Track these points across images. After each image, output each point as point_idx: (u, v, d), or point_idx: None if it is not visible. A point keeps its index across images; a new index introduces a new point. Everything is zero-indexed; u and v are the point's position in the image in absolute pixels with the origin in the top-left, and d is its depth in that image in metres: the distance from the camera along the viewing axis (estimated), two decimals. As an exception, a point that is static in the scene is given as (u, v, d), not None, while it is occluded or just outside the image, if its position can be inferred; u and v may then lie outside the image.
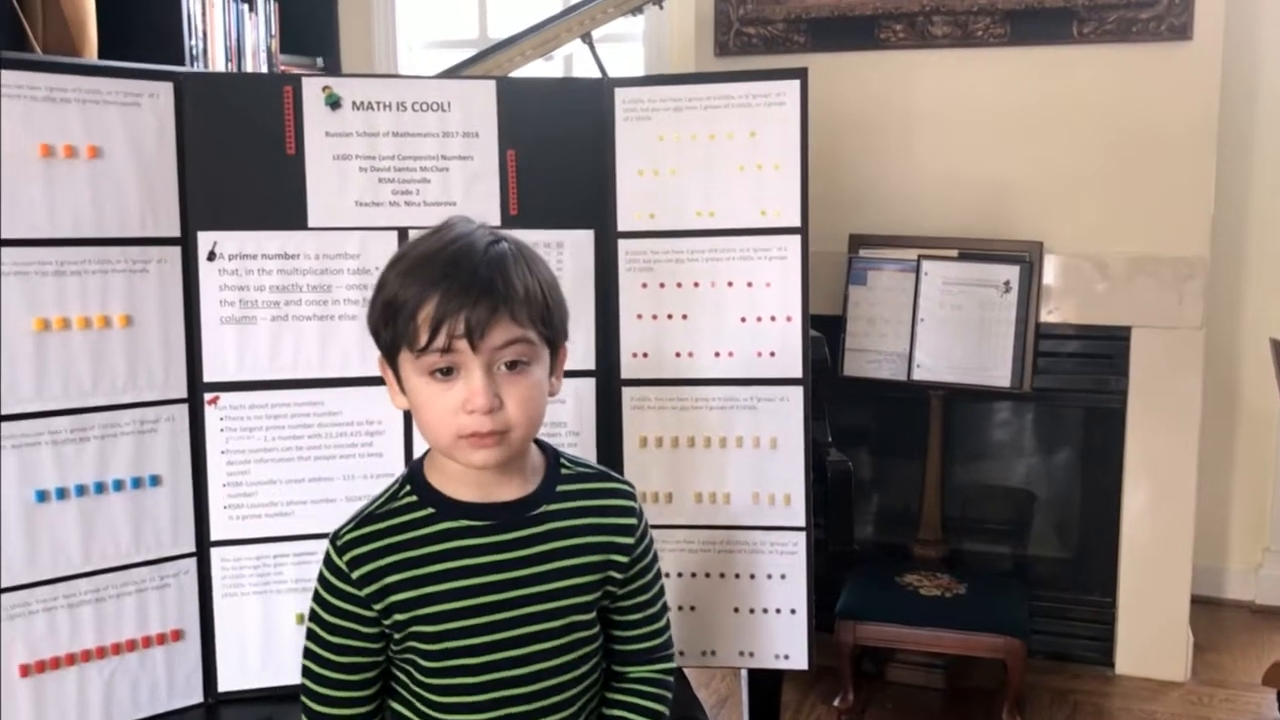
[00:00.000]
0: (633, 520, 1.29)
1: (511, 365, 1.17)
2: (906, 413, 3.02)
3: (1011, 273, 2.80)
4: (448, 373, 1.16)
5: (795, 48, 3.01)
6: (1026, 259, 2.83)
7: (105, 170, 1.66)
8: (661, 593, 1.35)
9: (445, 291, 1.13)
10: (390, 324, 1.18)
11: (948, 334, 2.83)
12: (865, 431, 3.17)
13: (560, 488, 1.27)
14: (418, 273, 1.16)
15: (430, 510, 1.24)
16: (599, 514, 1.28)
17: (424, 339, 1.14)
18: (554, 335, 1.22)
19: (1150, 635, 2.98)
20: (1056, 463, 3.06)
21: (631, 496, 1.31)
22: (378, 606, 1.22)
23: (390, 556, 1.22)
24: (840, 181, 2.97)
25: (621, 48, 3.60)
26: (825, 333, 1.99)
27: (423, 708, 1.25)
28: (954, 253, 2.86)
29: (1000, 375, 2.80)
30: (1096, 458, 3.00)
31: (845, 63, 2.98)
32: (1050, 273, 2.89)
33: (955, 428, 3.04)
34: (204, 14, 3.38)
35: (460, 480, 1.24)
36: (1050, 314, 2.91)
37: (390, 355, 1.22)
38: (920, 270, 2.85)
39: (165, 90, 1.71)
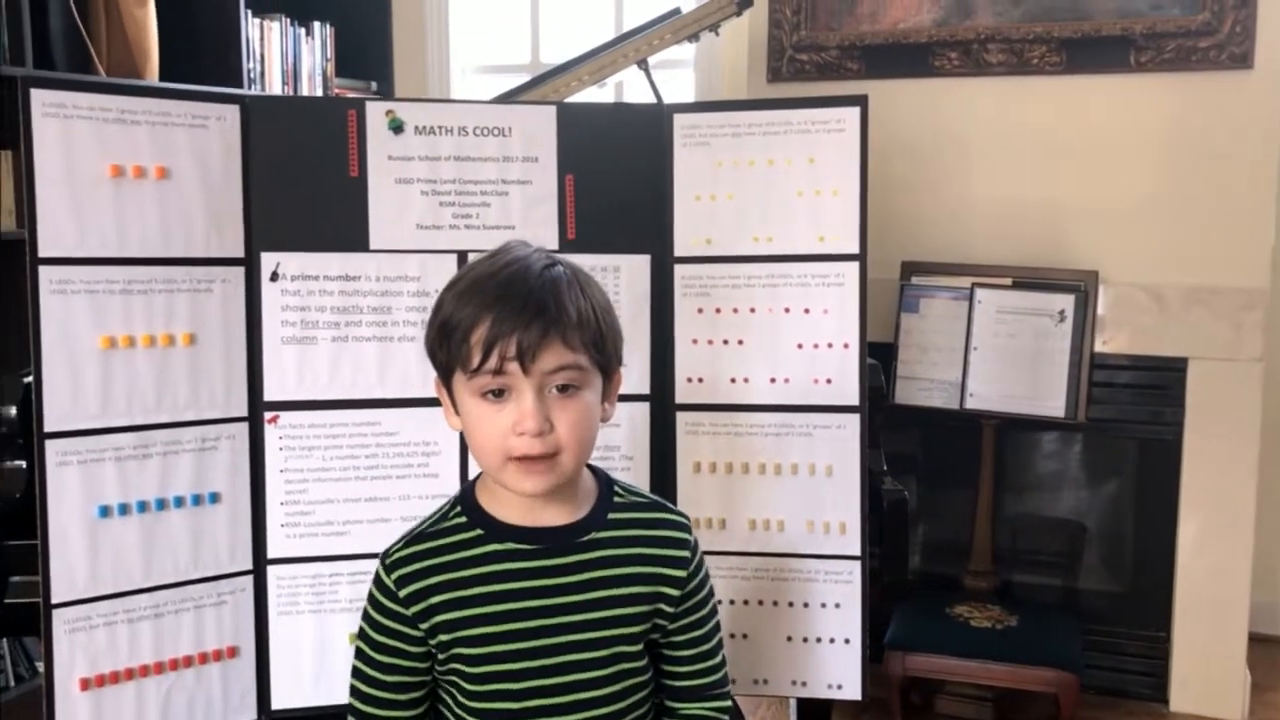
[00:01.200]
0: (685, 553, 1.27)
1: (563, 389, 1.17)
2: (958, 442, 2.99)
3: (1066, 302, 2.77)
4: (499, 394, 1.17)
5: (849, 74, 3.01)
6: (1081, 288, 2.80)
7: (172, 191, 1.69)
8: (717, 629, 1.33)
9: (498, 314, 1.14)
10: (445, 345, 1.19)
11: (1001, 363, 2.80)
12: (916, 460, 3.14)
13: (612, 515, 1.26)
14: (473, 295, 1.17)
15: (479, 532, 1.24)
16: (650, 544, 1.26)
17: (476, 360, 1.15)
18: (606, 360, 1.21)
19: (1206, 672, 2.92)
20: (1110, 494, 3.02)
21: (686, 529, 1.29)
22: (424, 626, 1.22)
23: (437, 576, 1.22)
24: (893, 208, 2.96)
25: (674, 74, 3.61)
26: (876, 360, 1.97)
27: None
28: (1008, 281, 2.84)
29: (1054, 405, 2.77)
30: (1151, 490, 2.96)
31: (899, 90, 2.97)
32: (1105, 302, 2.86)
33: (1007, 458, 3.01)
34: (262, 38, 3.43)
35: (510, 503, 1.24)
36: (1105, 344, 2.88)
37: (445, 376, 1.23)
38: (974, 298, 2.82)
39: (232, 113, 1.74)
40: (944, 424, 2.97)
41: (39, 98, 1.58)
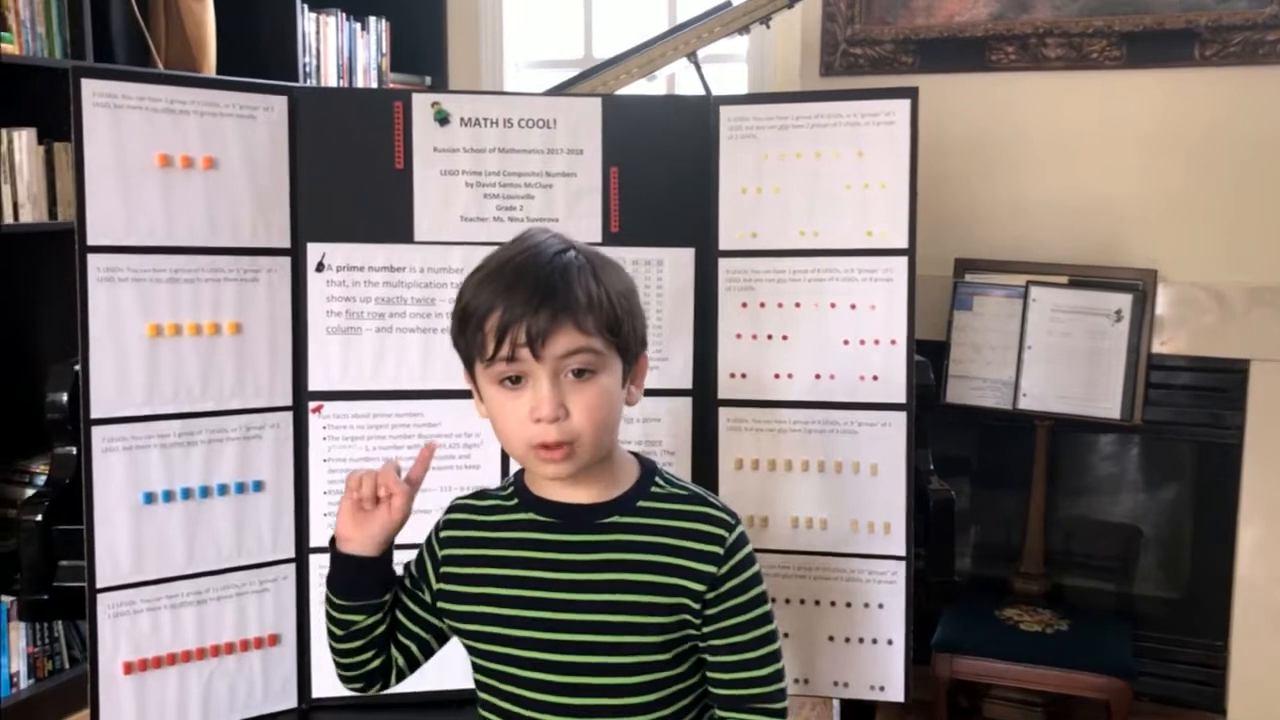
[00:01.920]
0: (716, 549, 1.20)
1: (579, 373, 1.15)
2: (1010, 442, 2.94)
3: (1123, 301, 2.71)
4: (516, 381, 1.16)
5: (903, 69, 2.96)
6: (1140, 287, 2.74)
7: (220, 181, 1.70)
8: (768, 640, 1.24)
9: (509, 301, 1.13)
10: (463, 334, 1.19)
11: (1055, 363, 2.75)
12: (967, 460, 3.09)
13: (642, 503, 1.23)
14: (486, 283, 1.17)
15: (515, 501, 1.26)
16: (678, 535, 1.21)
17: (490, 348, 1.14)
18: (625, 343, 1.19)
19: (1265, 682, 2.85)
20: (1166, 498, 2.95)
21: (725, 525, 1.22)
22: (441, 570, 1.26)
23: (469, 531, 1.26)
24: (947, 204, 2.91)
25: (726, 68, 3.59)
26: (928, 358, 1.94)
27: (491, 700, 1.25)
28: (1064, 279, 2.78)
29: (1109, 407, 2.71)
30: (1209, 494, 2.89)
31: (954, 84, 2.93)
32: (1164, 302, 2.80)
33: (1061, 459, 2.96)
34: (318, 33, 3.46)
35: (545, 483, 1.24)
36: (1163, 345, 2.82)
37: (468, 365, 1.22)
38: (1028, 296, 2.77)
39: (280, 104, 1.75)
40: (996, 424, 2.92)
41: (89, 88, 1.60)
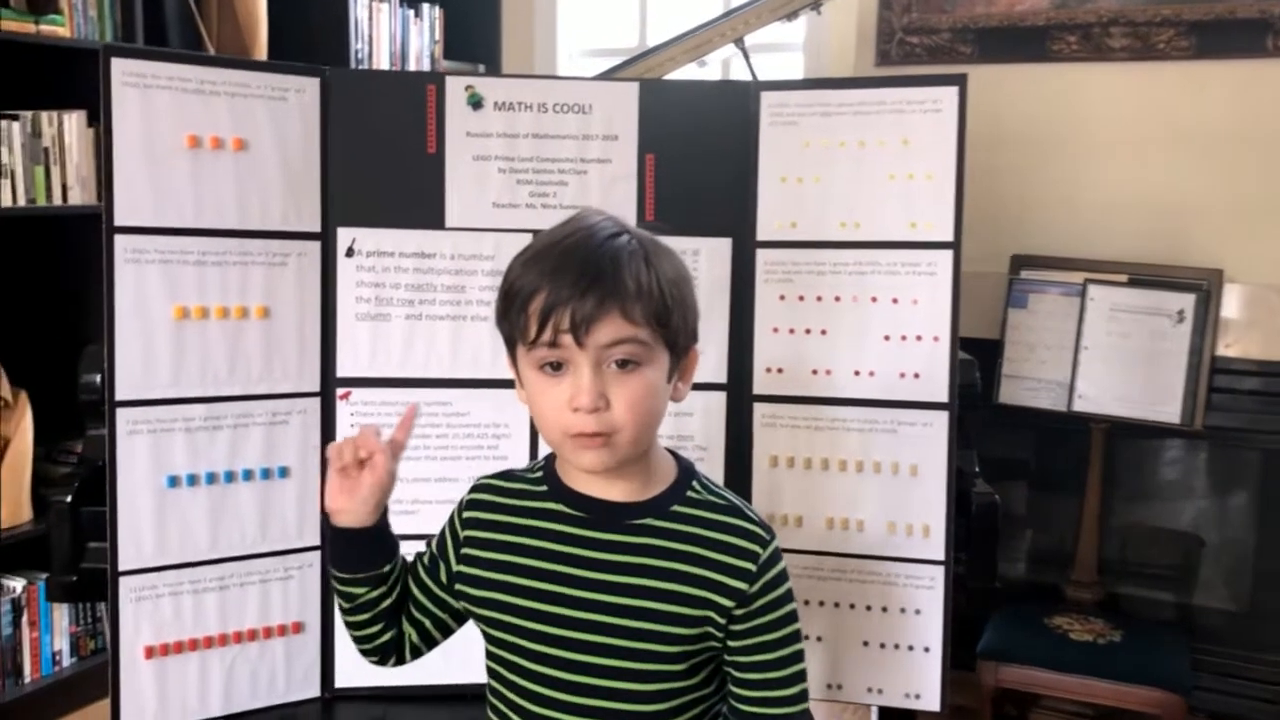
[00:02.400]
0: (749, 565, 1.15)
1: (622, 364, 1.11)
2: (1065, 445, 2.85)
3: (1186, 301, 2.61)
4: (557, 367, 1.12)
5: (961, 58, 2.88)
6: (1204, 287, 2.64)
7: (250, 163, 1.68)
8: (794, 660, 1.18)
9: (554, 283, 1.09)
10: (507, 315, 1.15)
11: (1113, 364, 2.66)
12: (1020, 463, 3.00)
13: (677, 508, 1.18)
14: (534, 263, 1.12)
15: (545, 488, 1.21)
16: (711, 547, 1.16)
17: (533, 331, 1.10)
18: (673, 336, 1.14)
19: (1329, 701, 2.74)
20: (1230, 507, 2.84)
21: (761, 541, 1.17)
22: (462, 551, 1.22)
23: (495, 514, 1.22)
24: (1003, 199, 2.83)
25: (782, 57, 3.52)
26: (981, 357, 1.87)
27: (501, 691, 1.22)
28: (1123, 278, 2.69)
29: (1169, 411, 2.62)
30: (1277, 504, 2.77)
31: (1013, 74, 2.84)
32: (1230, 303, 2.69)
33: (1117, 463, 2.86)
34: (370, 19, 3.45)
35: (576, 473, 1.19)
36: (1228, 348, 2.71)
37: (511, 348, 1.18)
38: (1086, 295, 2.69)
39: (312, 86, 1.73)
40: (1051, 426, 2.84)
41: (119, 67, 1.59)
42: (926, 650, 1.79)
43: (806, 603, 1.82)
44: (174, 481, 1.66)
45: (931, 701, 1.79)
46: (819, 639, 1.83)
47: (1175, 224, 2.73)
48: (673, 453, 1.23)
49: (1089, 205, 2.82)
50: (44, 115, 2.65)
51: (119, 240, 1.60)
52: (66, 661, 2.79)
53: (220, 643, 1.71)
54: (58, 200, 2.68)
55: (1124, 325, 2.65)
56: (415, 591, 1.27)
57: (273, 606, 1.74)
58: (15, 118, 2.59)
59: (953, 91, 1.74)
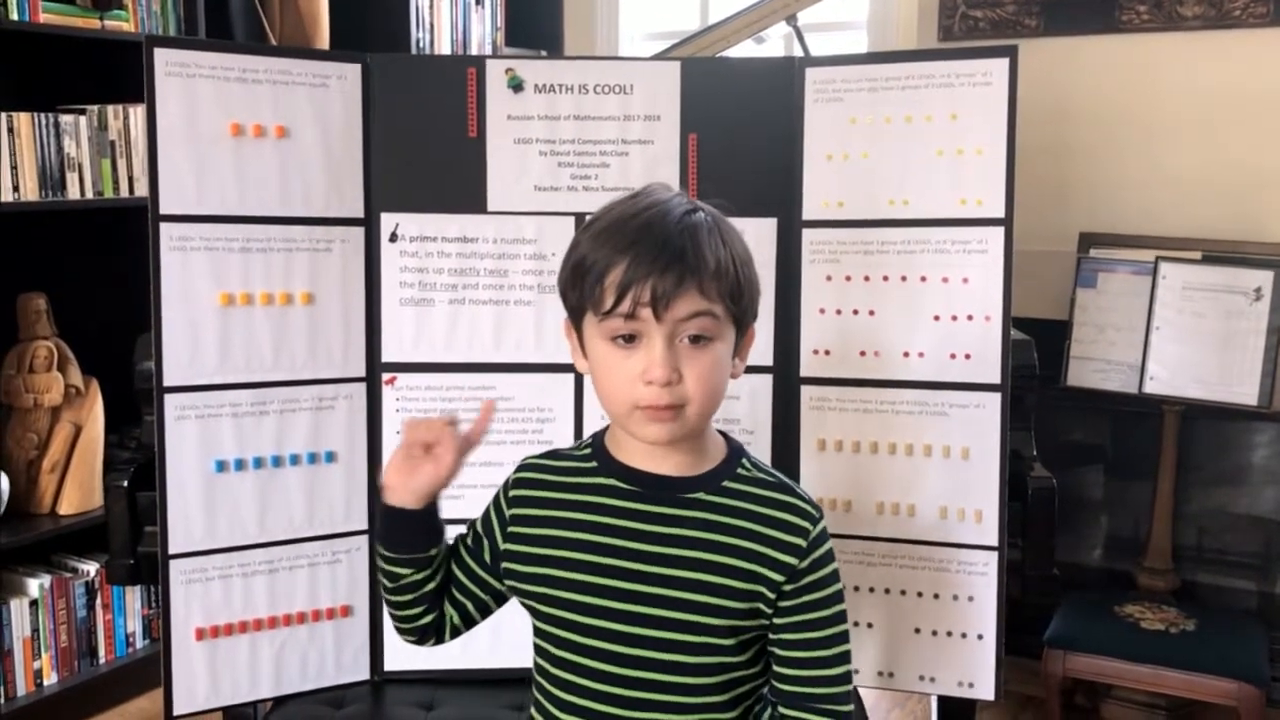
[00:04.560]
0: (799, 540, 1.16)
1: (695, 339, 1.11)
2: (1137, 428, 2.77)
3: (1264, 279, 2.51)
4: (630, 340, 1.12)
5: (1026, 31, 2.80)
6: (1283, 263, 2.53)
7: (292, 150, 1.70)
8: (839, 640, 1.18)
9: (635, 257, 1.09)
10: (578, 286, 1.14)
11: (1186, 344, 2.56)
12: (1090, 447, 2.92)
13: (727, 483, 1.18)
14: (609, 236, 1.12)
15: (595, 464, 1.21)
16: (762, 522, 1.16)
17: (609, 303, 1.10)
18: (742, 313, 1.15)
19: None
20: (1314, 493, 2.73)
21: (810, 518, 1.17)
22: (509, 530, 1.22)
23: (543, 491, 1.22)
24: (1071, 175, 2.75)
25: (845, 35, 3.47)
26: (1049, 339, 1.81)
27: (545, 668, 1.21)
28: (1197, 255, 2.60)
29: (1246, 392, 2.52)
30: (1362, 490, 2.66)
31: (1081, 47, 2.75)
32: (1312, 280, 2.58)
33: (1192, 447, 2.76)
34: (431, 6, 3.46)
35: (631, 449, 1.19)
36: (1310, 326, 2.60)
37: (576, 318, 1.18)
38: (1158, 273, 2.59)
39: (353, 72, 1.73)
40: (1121, 409, 2.76)
41: (162, 56, 1.61)
42: (980, 638, 1.74)
43: (857, 589, 1.79)
44: (222, 466, 1.68)
45: (985, 690, 1.75)
46: (870, 626, 1.80)
47: (1251, 198, 2.63)
48: (722, 433, 1.23)
49: (1160, 180, 2.73)
50: (109, 109, 2.70)
51: (164, 228, 1.63)
52: (140, 643, 2.86)
53: (270, 625, 1.73)
54: (124, 192, 2.73)
55: (1197, 304, 2.56)
56: (458, 573, 1.27)
57: (321, 590, 1.76)
58: (82, 112, 2.65)
59: (1003, 63, 1.68)
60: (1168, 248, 2.63)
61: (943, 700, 1.90)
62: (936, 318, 1.74)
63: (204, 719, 1.74)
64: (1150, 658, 2.45)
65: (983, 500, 1.73)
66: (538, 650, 1.21)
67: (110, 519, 1.78)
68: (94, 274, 2.90)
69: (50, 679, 2.66)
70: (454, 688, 1.80)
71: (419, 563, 1.24)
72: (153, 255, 1.62)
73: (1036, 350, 1.85)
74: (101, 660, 2.77)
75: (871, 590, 1.79)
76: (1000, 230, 1.70)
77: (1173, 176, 2.72)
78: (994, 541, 1.73)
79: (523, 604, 1.22)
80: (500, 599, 1.28)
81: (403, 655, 1.79)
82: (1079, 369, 2.70)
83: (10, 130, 2.51)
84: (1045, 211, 2.79)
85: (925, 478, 1.76)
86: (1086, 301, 2.70)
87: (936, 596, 1.76)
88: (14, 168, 2.52)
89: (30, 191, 2.54)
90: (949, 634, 1.76)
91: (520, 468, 1.26)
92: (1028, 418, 1.87)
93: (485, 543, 1.25)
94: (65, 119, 2.61)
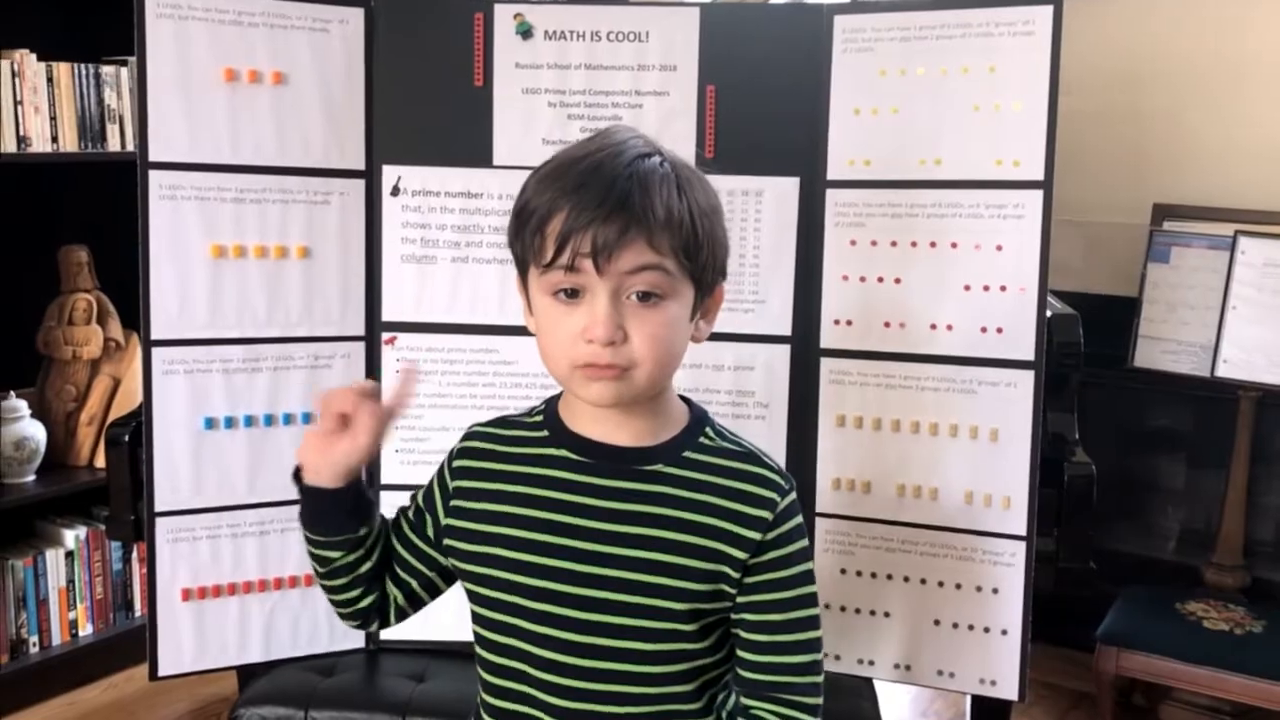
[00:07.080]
0: (765, 514, 1.06)
1: (644, 296, 1.01)
2: (1209, 414, 2.61)
3: (1353, 256, 2.32)
4: (573, 294, 1.02)
5: (1101, -14, 2.63)
6: (1375, 240, 2.34)
7: (290, 97, 1.63)
8: (807, 625, 1.08)
9: (576, 204, 0.99)
10: (520, 234, 1.05)
11: (1265, 325, 2.39)
12: (1158, 433, 2.76)
13: (689, 454, 1.09)
14: (553, 180, 1.02)
15: (545, 433, 1.11)
16: (726, 495, 1.07)
17: (549, 254, 1.00)
18: (700, 270, 1.04)
19: None
20: (1404, 489, 2.54)
21: (778, 489, 1.08)
22: (451, 504, 1.13)
23: (489, 462, 1.12)
24: (1143, 142, 2.59)
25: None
26: (1118, 316, 1.68)
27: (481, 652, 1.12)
28: (1279, 229, 2.41)
29: (1328, 379, 2.34)
30: None
31: (1155, 4, 2.57)
32: (1407, 259, 2.38)
33: (1269, 436, 2.58)
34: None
35: (584, 416, 1.09)
36: (1403, 309, 2.40)
37: (521, 270, 1.09)
38: (1236, 248, 2.42)
39: (356, 17, 1.66)
40: (1193, 393, 2.60)
41: (153, -3, 1.55)
42: (1004, 633, 1.63)
43: (874, 576, 1.68)
44: (211, 423, 1.63)
45: (1009, 689, 1.63)
46: (886, 615, 1.69)
47: (1341, 169, 2.44)
48: (685, 398, 1.12)
49: (1241, 149, 2.56)
50: (151, 61, 2.68)
51: (153, 176, 1.58)
52: (175, 598, 2.86)
53: (260, 589, 1.69)
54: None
55: (1277, 282, 2.38)
56: (400, 549, 1.18)
57: (315, 554, 1.70)
58: (124, 63, 2.63)
59: (1047, 11, 1.55)
60: (1248, 221, 2.46)
61: (976, 701, 1.78)
62: (967, 288, 1.62)
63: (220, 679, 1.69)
64: (1210, 660, 2.30)
65: (1012, 486, 1.61)
66: (477, 638, 1.12)
67: (110, 475, 1.75)
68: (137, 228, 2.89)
69: (85, 629, 2.68)
70: (448, 659, 1.74)
71: (349, 544, 1.14)
72: (140, 204, 1.57)
73: (1103, 328, 1.71)
74: (136, 613, 2.78)
75: (890, 578, 1.68)
76: (1039, 194, 1.57)
77: (1254, 145, 2.55)
78: (1022, 530, 1.61)
79: (464, 586, 1.13)
80: (449, 578, 1.18)
81: (400, 625, 1.73)
82: (1148, 349, 2.54)
83: (50, 80, 2.50)
84: (1115, 182, 2.62)
85: (950, 460, 1.64)
86: (1158, 278, 2.53)
87: (959, 587, 1.65)
88: (53, 118, 2.51)
89: (70, 143, 2.53)
90: (970, 628, 1.65)
91: (466, 435, 1.16)
92: (1071, 399, 1.74)
93: (427, 517, 1.16)
94: (106, 69, 2.59)
